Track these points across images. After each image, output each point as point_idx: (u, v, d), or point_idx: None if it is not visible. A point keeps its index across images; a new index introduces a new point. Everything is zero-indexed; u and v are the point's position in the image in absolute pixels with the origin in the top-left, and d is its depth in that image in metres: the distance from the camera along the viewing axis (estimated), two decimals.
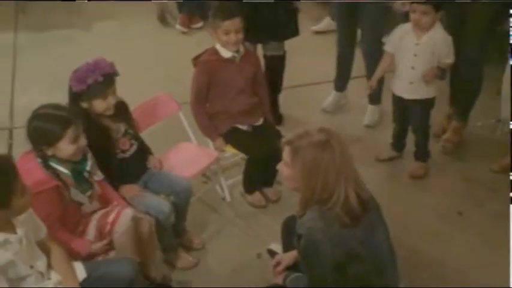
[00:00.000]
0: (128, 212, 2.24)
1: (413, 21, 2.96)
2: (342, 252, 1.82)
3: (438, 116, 3.49)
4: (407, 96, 3.12)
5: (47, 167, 2.08)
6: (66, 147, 2.08)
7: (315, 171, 1.80)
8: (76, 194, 2.17)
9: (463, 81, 3.33)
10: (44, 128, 2.06)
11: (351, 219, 1.81)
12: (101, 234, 2.23)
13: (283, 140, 1.91)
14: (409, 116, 3.22)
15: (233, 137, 2.94)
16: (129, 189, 2.46)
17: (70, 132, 2.07)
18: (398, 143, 3.40)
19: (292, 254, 2.13)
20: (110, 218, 2.23)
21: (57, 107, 2.12)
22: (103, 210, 2.29)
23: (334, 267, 1.83)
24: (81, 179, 2.19)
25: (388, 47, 3.15)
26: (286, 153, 1.89)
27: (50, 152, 2.08)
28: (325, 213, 1.80)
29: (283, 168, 1.93)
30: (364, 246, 1.84)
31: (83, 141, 2.13)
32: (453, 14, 3.19)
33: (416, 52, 2.99)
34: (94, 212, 2.29)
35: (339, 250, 1.81)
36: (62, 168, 2.11)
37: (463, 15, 3.14)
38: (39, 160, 2.08)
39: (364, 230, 1.85)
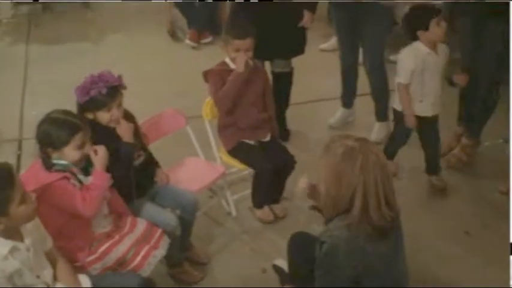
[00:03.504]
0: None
1: (439, 35, 2.93)
2: (361, 266, 1.81)
3: (446, 135, 3.48)
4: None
5: (50, 167, 2.09)
6: (71, 153, 2.10)
7: (332, 174, 1.81)
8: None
9: (479, 99, 3.30)
10: (52, 131, 2.09)
11: (376, 234, 1.79)
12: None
13: None
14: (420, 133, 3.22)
15: (241, 152, 2.95)
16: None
17: (77, 139, 2.09)
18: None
19: None
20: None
21: (68, 113, 2.16)
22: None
23: (349, 279, 1.82)
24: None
25: (401, 79, 3.03)
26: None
27: (55, 156, 2.10)
28: (352, 225, 1.79)
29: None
30: (384, 264, 1.83)
31: (88, 148, 2.14)
32: (470, 33, 3.18)
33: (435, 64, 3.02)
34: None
35: (358, 264, 1.80)
36: (63, 162, 2.10)
37: (480, 35, 3.14)
38: (41, 160, 2.09)
39: (389, 247, 1.83)
